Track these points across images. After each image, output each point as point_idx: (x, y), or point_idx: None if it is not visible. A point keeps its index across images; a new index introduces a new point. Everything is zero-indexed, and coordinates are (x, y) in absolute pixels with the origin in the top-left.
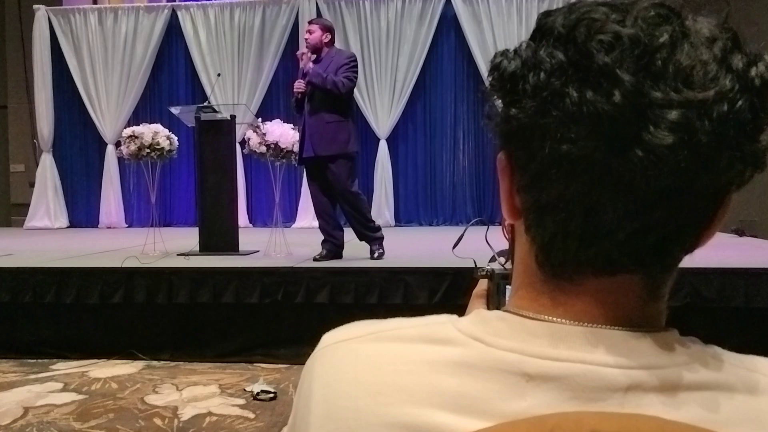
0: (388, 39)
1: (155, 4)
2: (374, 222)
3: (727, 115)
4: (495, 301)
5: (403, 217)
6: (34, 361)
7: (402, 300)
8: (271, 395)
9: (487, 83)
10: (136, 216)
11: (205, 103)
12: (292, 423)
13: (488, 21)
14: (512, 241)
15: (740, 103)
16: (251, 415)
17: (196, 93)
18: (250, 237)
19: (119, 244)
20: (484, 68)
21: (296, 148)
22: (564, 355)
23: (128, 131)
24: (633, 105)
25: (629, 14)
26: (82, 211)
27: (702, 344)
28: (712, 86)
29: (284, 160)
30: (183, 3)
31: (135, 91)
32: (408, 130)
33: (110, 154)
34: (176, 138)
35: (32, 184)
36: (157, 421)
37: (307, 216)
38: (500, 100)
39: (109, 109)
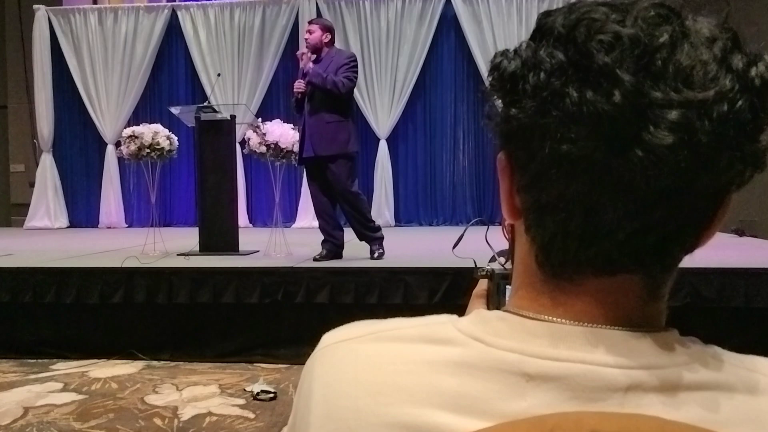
0: (388, 39)
1: (155, 4)
2: (374, 222)
3: (727, 115)
4: (495, 301)
5: (403, 217)
6: (34, 361)
7: (402, 300)
8: (271, 395)
9: (487, 83)
10: (136, 216)
11: (205, 103)
12: (292, 423)
13: (488, 21)
14: (512, 241)
15: (740, 103)
16: (251, 415)
17: (196, 93)
18: (250, 237)
19: (119, 244)
20: (484, 68)
21: (296, 148)
22: (564, 355)
23: (128, 131)
24: (633, 105)
25: (629, 14)
26: (82, 211)
27: (702, 344)
28: (712, 86)
29: (284, 160)
30: (183, 3)
31: (135, 91)
32: (408, 130)
33: (110, 154)
34: (176, 138)
35: (32, 184)
36: (157, 421)
37: (307, 216)
38: (500, 100)
39: (109, 109)
